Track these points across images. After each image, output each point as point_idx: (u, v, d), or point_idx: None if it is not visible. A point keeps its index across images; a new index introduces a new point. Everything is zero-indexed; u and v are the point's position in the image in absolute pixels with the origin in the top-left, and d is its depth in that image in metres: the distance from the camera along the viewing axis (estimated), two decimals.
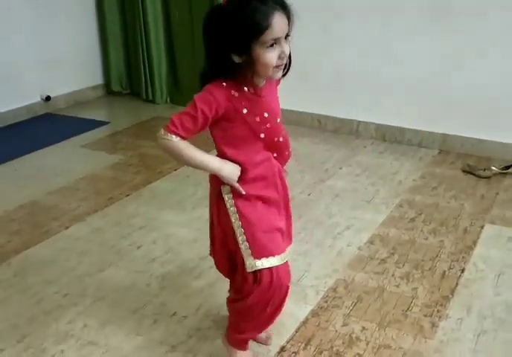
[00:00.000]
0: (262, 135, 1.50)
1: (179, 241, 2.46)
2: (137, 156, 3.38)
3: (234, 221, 1.53)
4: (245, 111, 1.45)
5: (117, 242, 2.45)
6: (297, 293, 2.10)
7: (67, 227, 2.57)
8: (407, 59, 3.40)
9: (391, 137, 3.61)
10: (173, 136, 1.43)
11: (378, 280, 2.18)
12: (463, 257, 2.34)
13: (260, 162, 1.53)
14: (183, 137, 1.44)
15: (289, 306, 2.00)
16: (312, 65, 3.69)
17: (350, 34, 3.53)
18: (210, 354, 1.80)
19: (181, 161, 1.50)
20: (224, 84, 1.43)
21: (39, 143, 3.56)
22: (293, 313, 1.99)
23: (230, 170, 1.50)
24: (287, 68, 1.49)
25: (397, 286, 2.15)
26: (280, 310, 1.65)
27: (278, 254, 1.54)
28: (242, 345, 1.73)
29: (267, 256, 1.53)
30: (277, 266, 1.54)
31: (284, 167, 1.64)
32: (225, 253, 1.65)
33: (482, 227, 2.57)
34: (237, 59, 1.39)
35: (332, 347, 1.84)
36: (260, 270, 1.52)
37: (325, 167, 3.23)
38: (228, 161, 1.50)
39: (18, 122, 3.96)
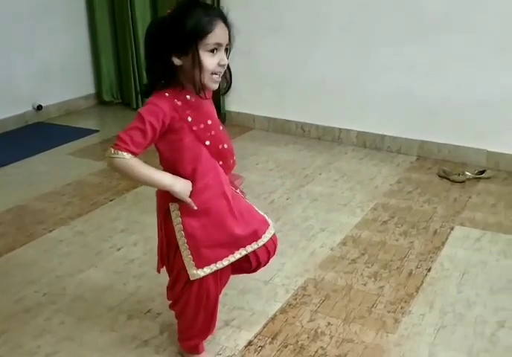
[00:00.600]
0: (207, 143, 1.54)
1: None
2: None
3: (179, 237, 1.59)
4: (189, 119, 1.50)
5: (98, 244, 2.54)
6: (267, 291, 2.19)
7: (51, 231, 2.66)
8: (387, 70, 3.50)
9: (371, 144, 3.71)
10: (125, 153, 1.43)
11: (347, 279, 2.27)
12: (430, 257, 2.42)
13: (207, 171, 1.56)
14: (134, 153, 1.45)
15: (259, 303, 2.12)
16: (297, 76, 3.81)
17: (333, 45, 3.64)
18: (180, 349, 1.88)
19: (133, 178, 1.51)
20: (166, 94, 1.47)
21: (29, 151, 3.66)
22: (262, 310, 2.07)
23: (182, 185, 1.52)
24: (228, 84, 1.58)
25: (365, 285, 2.24)
26: (215, 317, 1.75)
27: (220, 261, 1.63)
28: (194, 349, 1.81)
29: (209, 265, 1.62)
30: (207, 276, 1.63)
31: (239, 175, 1.71)
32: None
33: (452, 228, 2.66)
34: (177, 61, 1.45)
35: (297, 341, 1.92)
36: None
37: (305, 173, 3.32)
38: (179, 177, 1.53)
39: (10, 130, 4.07)
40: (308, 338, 1.94)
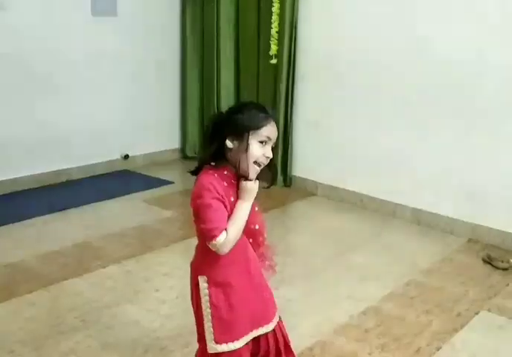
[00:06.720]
0: None
1: None
2: (187, 214, 3.78)
3: (204, 308, 1.73)
4: (232, 199, 1.66)
5: (140, 283, 2.83)
6: None
7: (104, 267, 2.99)
8: (444, 153, 3.62)
9: (425, 222, 3.77)
10: (220, 236, 1.58)
11: (354, 346, 2.37)
12: (444, 337, 2.46)
13: (235, 247, 1.66)
14: (224, 229, 1.60)
15: None
16: (359, 150, 4.04)
17: (391, 125, 3.84)
18: None
19: (240, 234, 1.66)
20: (215, 175, 1.65)
21: (108, 195, 4.10)
22: None
23: (253, 193, 1.68)
24: (273, 177, 1.79)
25: (370, 354, 2.32)
26: None
27: (237, 340, 1.73)
28: None
29: (227, 342, 1.73)
30: (238, 349, 1.74)
31: (270, 245, 1.86)
32: None
33: (477, 313, 2.67)
34: (229, 143, 1.65)
35: None
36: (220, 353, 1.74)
37: (350, 242, 3.46)
38: (243, 196, 1.66)
39: (99, 174, 4.57)
40: None
